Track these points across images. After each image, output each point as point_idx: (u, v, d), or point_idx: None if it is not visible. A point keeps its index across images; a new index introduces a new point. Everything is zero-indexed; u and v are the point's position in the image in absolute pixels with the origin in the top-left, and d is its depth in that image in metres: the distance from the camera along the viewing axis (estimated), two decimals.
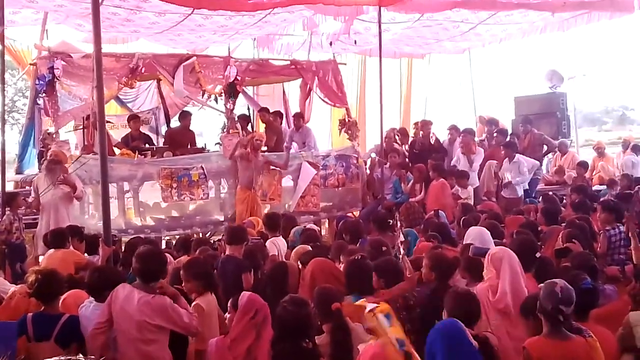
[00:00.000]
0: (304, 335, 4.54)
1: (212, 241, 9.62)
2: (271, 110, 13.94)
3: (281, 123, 14.15)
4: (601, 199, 9.69)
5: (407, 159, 13.76)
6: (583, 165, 13.91)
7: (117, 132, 13.63)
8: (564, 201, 11.57)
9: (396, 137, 14.69)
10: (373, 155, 14.16)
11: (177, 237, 10.31)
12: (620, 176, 13.13)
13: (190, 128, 13.26)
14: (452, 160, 13.52)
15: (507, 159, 12.85)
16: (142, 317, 4.91)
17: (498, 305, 5.21)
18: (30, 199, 10.03)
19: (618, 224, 7.76)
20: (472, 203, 11.28)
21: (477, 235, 6.67)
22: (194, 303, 5.52)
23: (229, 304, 4.87)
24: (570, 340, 4.33)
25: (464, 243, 6.80)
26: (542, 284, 4.54)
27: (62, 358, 1.54)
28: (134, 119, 12.90)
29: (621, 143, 15.41)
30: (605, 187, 13.04)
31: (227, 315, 4.85)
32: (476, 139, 14.24)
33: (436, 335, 4.23)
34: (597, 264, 6.22)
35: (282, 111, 14.85)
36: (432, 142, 14.06)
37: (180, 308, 5.06)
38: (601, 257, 7.20)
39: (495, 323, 5.16)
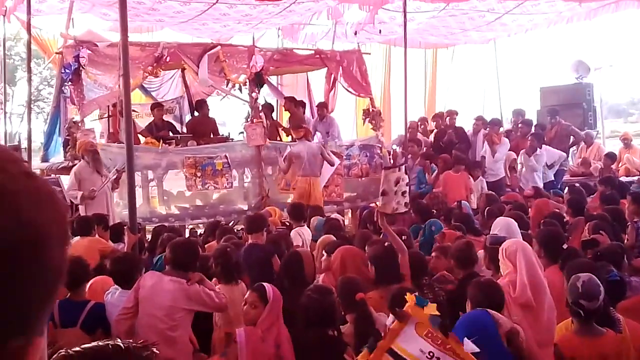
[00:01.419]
0: (330, 323, 4.53)
1: (235, 230, 9.63)
2: None
3: (304, 113, 14.11)
4: (630, 191, 9.58)
5: (432, 149, 13.67)
6: (611, 157, 13.72)
7: (142, 120, 13.67)
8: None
9: (422, 126, 14.63)
10: (394, 147, 14.11)
11: (205, 223, 10.33)
12: None
13: (210, 115, 13.20)
14: (478, 151, 13.46)
15: (523, 150, 12.83)
16: (173, 302, 4.95)
17: (519, 300, 5.12)
18: (73, 192, 9.68)
19: None
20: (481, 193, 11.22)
21: (504, 225, 6.61)
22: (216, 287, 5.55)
23: (251, 292, 4.79)
24: (600, 336, 4.24)
25: (490, 234, 6.74)
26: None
27: (100, 343, 1.51)
28: (157, 107, 12.93)
29: None
30: (635, 178, 12.86)
31: (247, 300, 4.78)
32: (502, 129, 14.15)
33: (459, 322, 4.21)
34: (625, 255, 6.15)
35: (306, 101, 14.81)
36: (452, 136, 13.86)
37: (208, 289, 5.17)
38: (629, 248, 7.12)
39: (516, 319, 5.10)
